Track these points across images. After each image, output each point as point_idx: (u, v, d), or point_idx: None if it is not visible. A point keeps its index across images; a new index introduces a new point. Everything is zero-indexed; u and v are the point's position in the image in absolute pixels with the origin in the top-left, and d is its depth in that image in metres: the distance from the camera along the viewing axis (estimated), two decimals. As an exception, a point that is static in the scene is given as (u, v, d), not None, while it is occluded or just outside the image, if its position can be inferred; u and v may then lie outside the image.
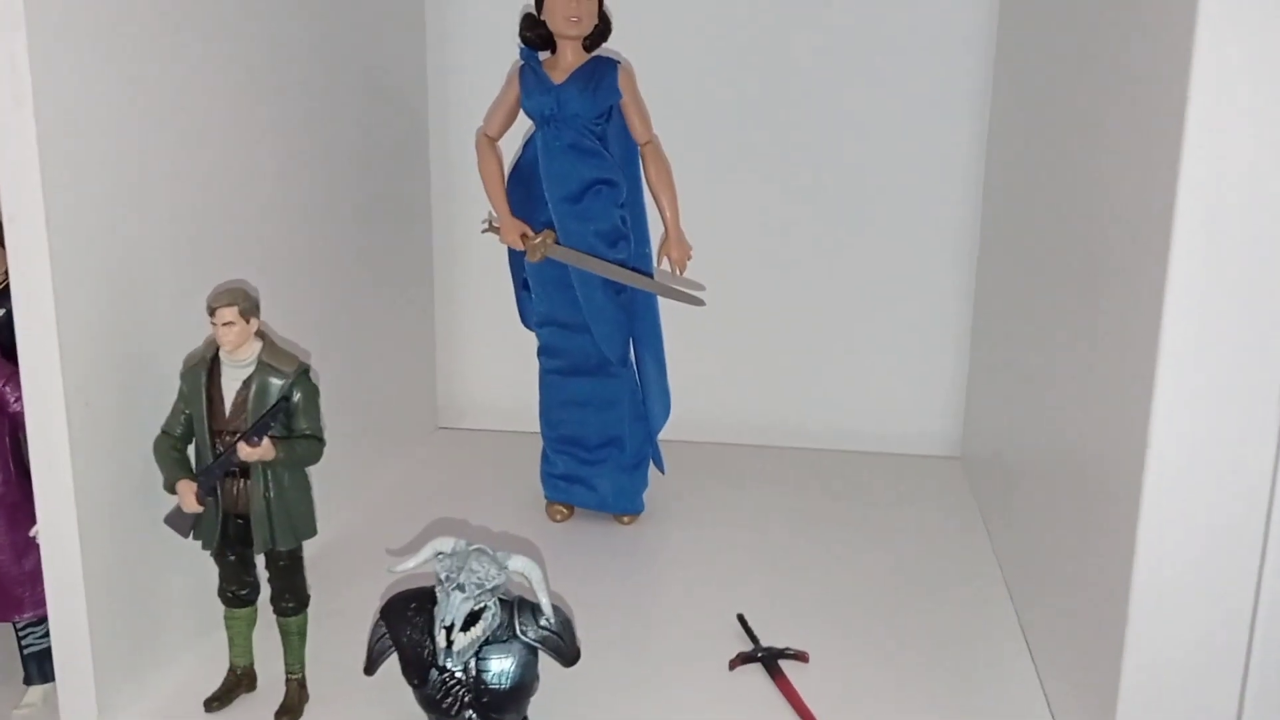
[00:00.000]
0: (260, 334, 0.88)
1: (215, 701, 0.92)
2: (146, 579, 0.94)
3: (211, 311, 0.86)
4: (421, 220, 1.56)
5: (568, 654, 0.87)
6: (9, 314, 0.93)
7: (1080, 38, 0.97)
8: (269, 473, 0.87)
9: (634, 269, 1.24)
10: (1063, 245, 0.99)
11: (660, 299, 1.28)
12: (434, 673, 0.83)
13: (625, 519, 1.31)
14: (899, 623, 1.08)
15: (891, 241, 1.51)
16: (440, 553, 0.84)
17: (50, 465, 0.85)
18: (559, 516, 1.32)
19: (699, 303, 1.24)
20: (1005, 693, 0.97)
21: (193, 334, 0.94)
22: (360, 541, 1.24)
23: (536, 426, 1.33)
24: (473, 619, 0.82)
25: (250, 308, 0.87)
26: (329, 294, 1.27)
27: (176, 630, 0.98)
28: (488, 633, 0.83)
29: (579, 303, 1.24)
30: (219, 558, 0.91)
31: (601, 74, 1.20)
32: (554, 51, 1.22)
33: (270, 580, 0.92)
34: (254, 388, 0.87)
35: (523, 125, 1.25)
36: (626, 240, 1.24)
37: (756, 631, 1.04)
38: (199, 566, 0.92)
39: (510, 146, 1.27)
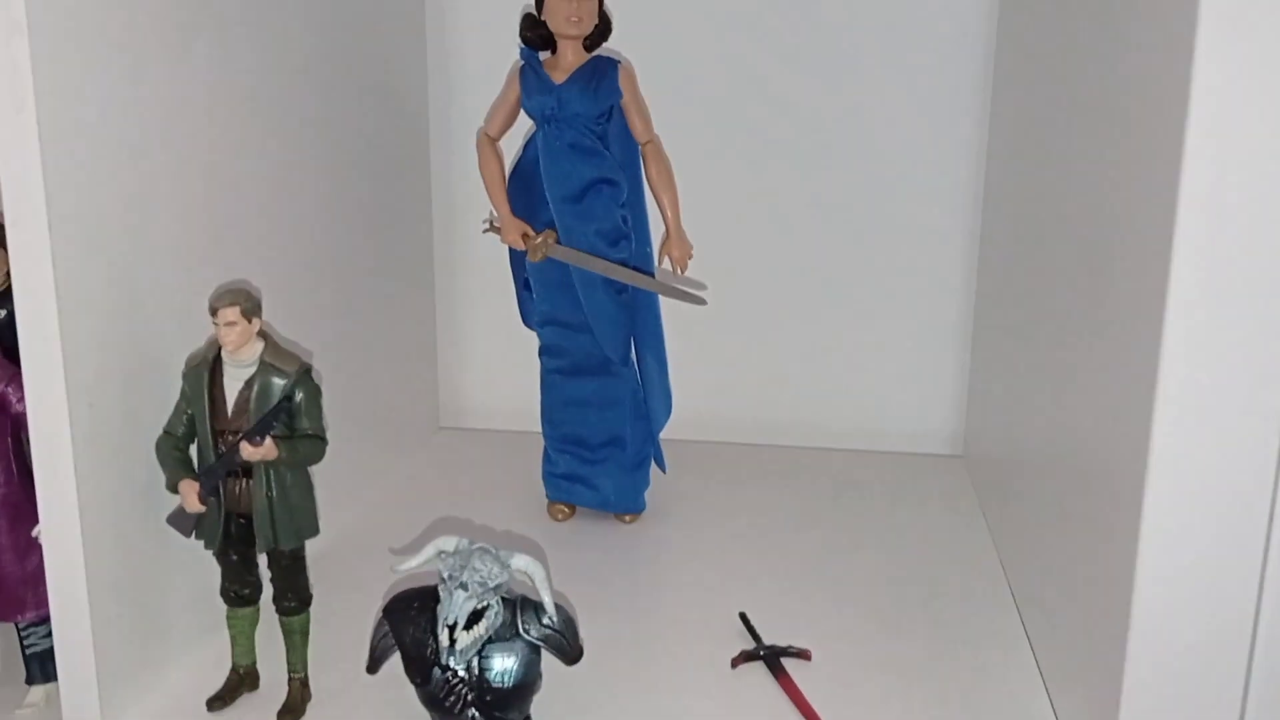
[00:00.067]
0: (262, 334, 0.88)
1: (218, 701, 0.92)
2: (149, 579, 0.94)
3: (213, 312, 0.86)
4: (422, 220, 1.56)
5: (570, 652, 0.87)
6: (11, 315, 0.94)
7: (1082, 31, 0.97)
8: (271, 472, 0.87)
9: (635, 268, 1.24)
10: (1064, 242, 0.99)
11: (662, 298, 1.28)
12: (437, 671, 0.83)
13: (627, 518, 1.31)
14: (901, 621, 1.08)
15: (892, 239, 1.51)
16: (443, 551, 0.84)
17: (53, 466, 0.85)
18: (560, 516, 1.32)
19: (700, 301, 1.24)
20: (1008, 690, 0.97)
21: (195, 335, 0.94)
22: (362, 541, 1.24)
23: (538, 426, 1.33)
24: (475, 617, 0.82)
25: (252, 308, 0.87)
26: (330, 295, 1.27)
27: (179, 630, 0.98)
28: (490, 631, 0.83)
29: (580, 302, 1.24)
30: (221, 557, 0.91)
31: (602, 74, 1.20)
32: (554, 51, 1.22)
33: (273, 580, 0.92)
34: (256, 388, 0.87)
35: (523, 125, 1.25)
36: (628, 239, 1.24)
37: (759, 630, 1.04)
38: (201, 566, 0.93)
39: (511, 146, 1.27)
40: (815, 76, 1.48)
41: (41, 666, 0.96)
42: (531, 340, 1.32)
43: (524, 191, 1.25)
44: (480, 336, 1.62)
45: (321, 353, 1.19)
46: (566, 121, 1.19)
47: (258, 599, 0.93)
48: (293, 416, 0.88)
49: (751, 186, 1.52)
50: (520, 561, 0.85)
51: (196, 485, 0.87)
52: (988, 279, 1.43)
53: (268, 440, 0.86)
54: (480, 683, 0.83)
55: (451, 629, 0.81)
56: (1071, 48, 1.00)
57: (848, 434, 1.56)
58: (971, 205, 1.48)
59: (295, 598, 0.92)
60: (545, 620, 0.85)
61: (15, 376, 0.90)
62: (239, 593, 0.92)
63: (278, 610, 0.92)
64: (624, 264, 1.23)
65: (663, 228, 1.25)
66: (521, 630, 0.84)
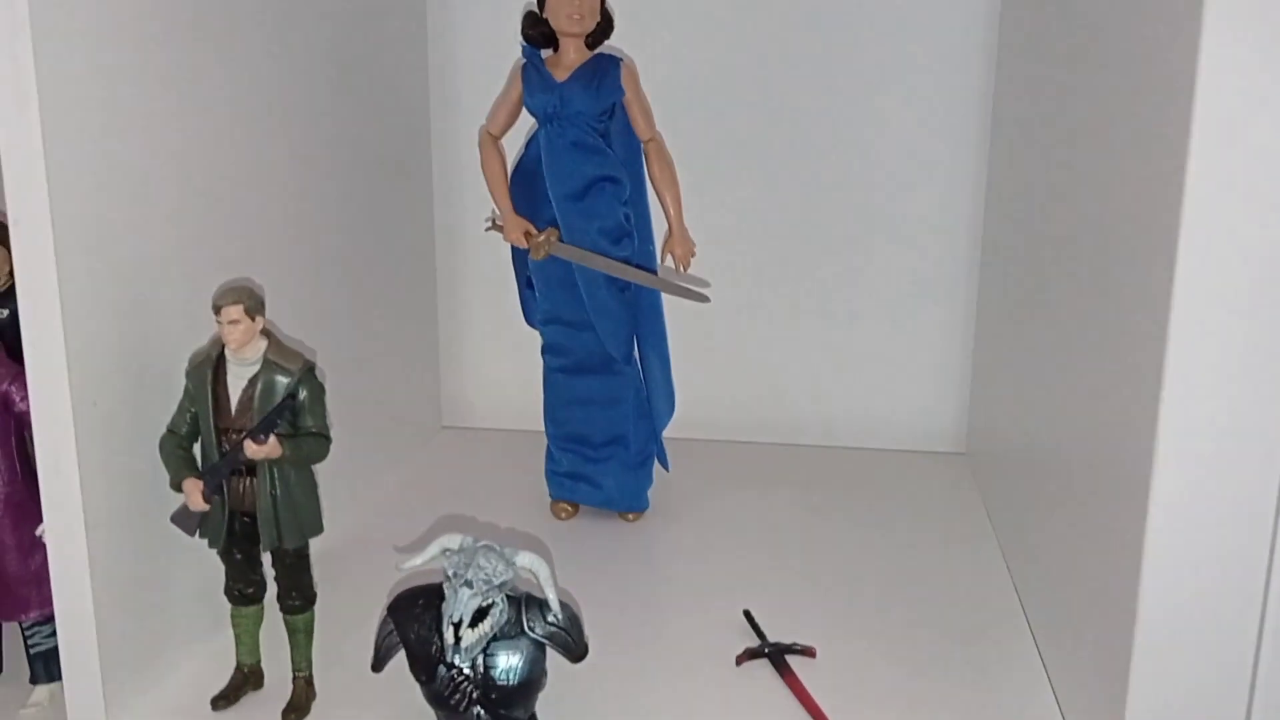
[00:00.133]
0: (265, 332, 0.88)
1: (222, 700, 0.92)
2: (153, 578, 0.94)
3: (217, 310, 0.86)
4: (424, 219, 1.56)
5: (575, 650, 0.87)
6: (14, 314, 0.94)
7: (1085, 28, 0.96)
8: (275, 471, 0.87)
9: (638, 266, 1.24)
10: (1068, 237, 0.99)
11: (664, 296, 1.28)
12: (442, 669, 0.83)
13: (630, 516, 1.31)
14: (906, 618, 1.08)
15: (895, 237, 1.51)
16: (448, 549, 0.84)
17: (57, 464, 0.85)
18: (564, 514, 1.32)
19: (704, 299, 1.24)
20: (1013, 687, 0.96)
21: (198, 333, 0.94)
22: (366, 540, 1.24)
23: (541, 425, 1.33)
24: (480, 615, 0.82)
25: (255, 306, 0.87)
26: (333, 294, 1.27)
27: (183, 629, 0.98)
28: (495, 629, 0.83)
29: (583, 300, 1.24)
30: (225, 556, 0.91)
31: (604, 71, 1.20)
32: (556, 49, 1.21)
33: (277, 578, 0.92)
34: (259, 386, 0.87)
35: (526, 123, 1.25)
36: (630, 237, 1.24)
37: (763, 627, 1.04)
38: (205, 565, 0.92)
39: (513, 145, 1.27)
40: (817, 73, 1.48)
41: (45, 666, 0.96)
42: (534, 339, 1.32)
43: (526, 190, 1.25)
44: (483, 335, 1.62)
45: (324, 352, 1.19)
46: (569, 119, 1.19)
47: (262, 598, 0.93)
48: (296, 414, 0.88)
49: (754, 183, 1.52)
50: (525, 559, 0.85)
51: (200, 484, 0.87)
52: (991, 275, 1.43)
53: (271, 438, 0.85)
54: (485, 680, 0.83)
55: (457, 626, 0.81)
56: (1075, 43, 1.00)
57: (851, 432, 1.56)
58: (974, 202, 1.48)
59: (299, 596, 0.92)
60: (550, 617, 0.85)
61: (19, 375, 0.90)
62: (243, 591, 0.92)
63: (282, 609, 0.92)
64: (627, 262, 1.22)
65: (665, 225, 1.25)
66: (526, 628, 0.84)
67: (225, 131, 1.03)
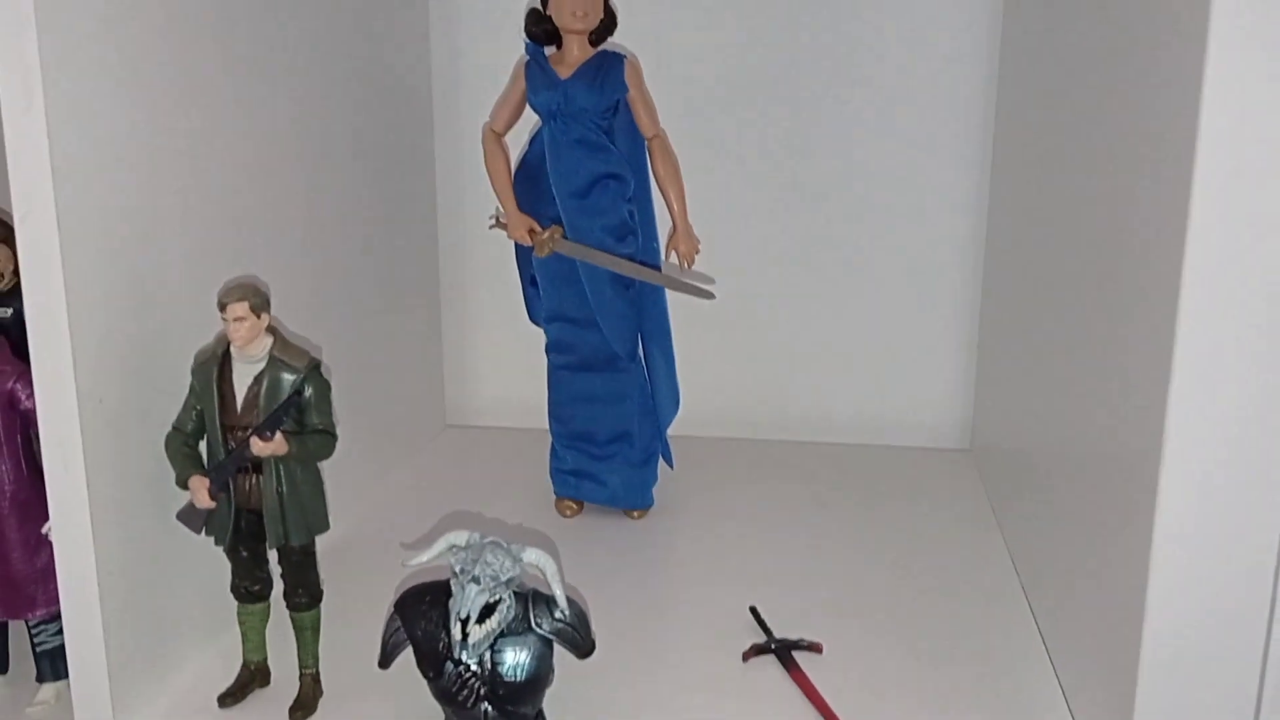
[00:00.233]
0: (271, 329, 0.88)
1: (229, 697, 0.92)
2: (159, 575, 0.94)
3: (222, 307, 0.86)
4: (428, 217, 1.56)
5: (583, 646, 0.87)
6: (19, 312, 0.94)
7: (1089, 23, 0.96)
8: (281, 468, 0.87)
9: (642, 263, 1.23)
10: (1073, 235, 0.99)
11: (669, 293, 1.28)
12: (449, 665, 0.83)
13: (635, 514, 1.31)
14: (912, 614, 1.07)
15: (899, 233, 1.51)
16: (454, 546, 0.84)
17: (63, 462, 0.85)
18: (569, 512, 1.32)
19: (709, 296, 1.24)
20: (1020, 681, 0.96)
21: (204, 330, 0.94)
22: (372, 537, 1.24)
23: (545, 423, 1.33)
24: (488, 611, 0.82)
25: (261, 303, 0.87)
26: (336, 293, 1.27)
27: (190, 626, 0.98)
28: (503, 625, 0.83)
29: (587, 298, 1.24)
30: (232, 553, 0.91)
31: (608, 68, 1.20)
32: (559, 46, 1.22)
33: (283, 575, 0.92)
34: (265, 383, 0.87)
35: (529, 121, 1.25)
36: (634, 235, 1.24)
37: (769, 624, 1.04)
38: (212, 562, 0.92)
39: (517, 142, 1.27)
40: (822, 69, 1.48)
41: (52, 664, 0.96)
42: (538, 336, 1.32)
43: (530, 187, 1.25)
44: (487, 333, 1.62)
45: (328, 350, 1.18)
46: (573, 116, 1.19)
47: (268, 595, 0.93)
48: (302, 411, 0.88)
49: (757, 180, 1.52)
50: (532, 555, 0.85)
51: (206, 481, 0.87)
52: (995, 271, 1.43)
53: (278, 435, 0.85)
54: (493, 676, 0.83)
55: (464, 623, 0.81)
56: (1079, 36, 0.99)
57: (855, 429, 1.56)
58: (979, 198, 1.48)
59: (306, 593, 0.92)
60: (557, 614, 0.85)
61: (24, 373, 0.90)
62: (249, 589, 0.92)
63: (289, 606, 0.92)
64: (631, 259, 1.22)
65: (669, 222, 1.24)
66: (534, 624, 0.84)
67: (229, 131, 1.03)
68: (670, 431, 1.34)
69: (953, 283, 1.51)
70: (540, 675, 0.84)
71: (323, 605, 0.93)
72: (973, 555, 1.21)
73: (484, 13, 1.52)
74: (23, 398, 0.92)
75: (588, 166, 1.20)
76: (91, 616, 0.87)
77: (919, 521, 1.30)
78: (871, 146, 1.49)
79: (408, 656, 0.86)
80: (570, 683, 0.90)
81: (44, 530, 0.91)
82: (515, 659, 0.83)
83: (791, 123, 1.50)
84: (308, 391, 0.88)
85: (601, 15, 1.20)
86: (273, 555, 0.92)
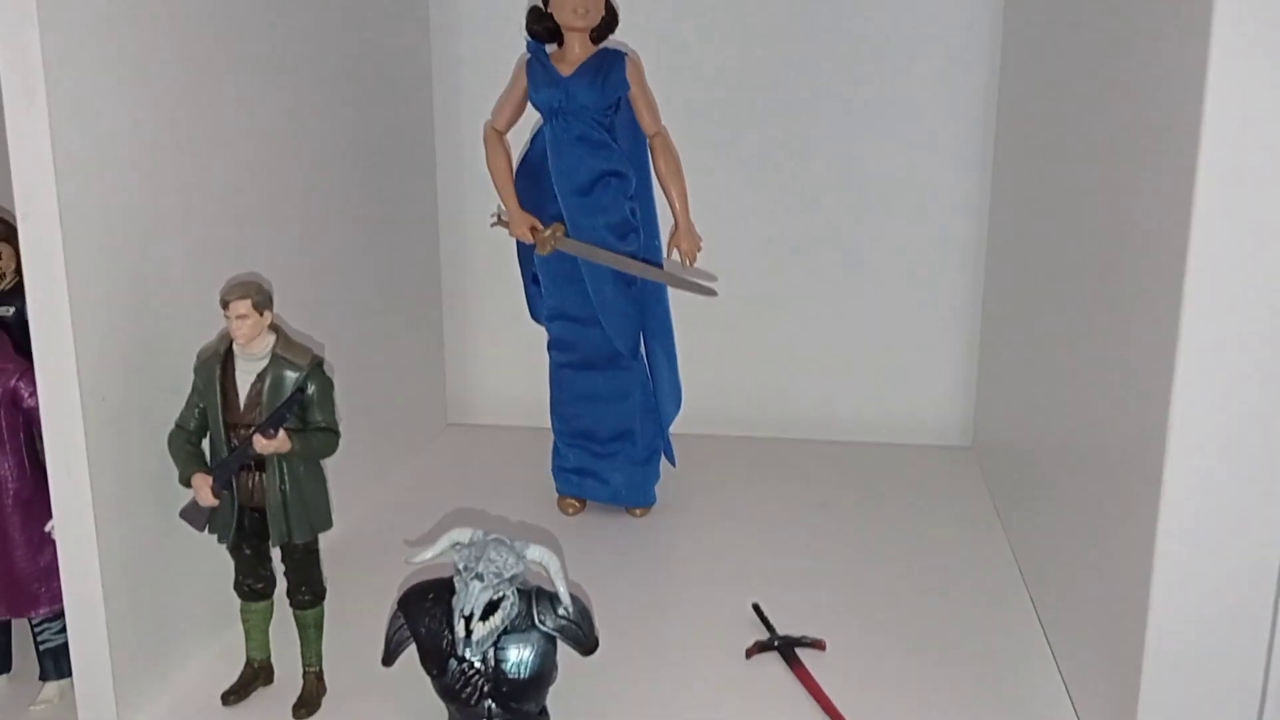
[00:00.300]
0: (274, 327, 0.88)
1: (233, 695, 0.92)
2: (163, 573, 0.94)
3: (225, 304, 0.86)
4: (429, 216, 1.56)
5: (586, 643, 0.87)
6: (21, 310, 0.94)
7: (1091, 21, 0.96)
8: (284, 465, 0.87)
9: (644, 261, 1.23)
10: (1075, 231, 0.99)
11: (671, 291, 1.28)
12: (453, 663, 0.83)
13: (637, 511, 1.31)
14: (915, 612, 1.07)
15: (901, 231, 1.51)
16: (458, 543, 0.84)
17: (66, 460, 0.85)
18: (571, 510, 1.32)
19: (711, 293, 1.24)
20: (1023, 678, 0.96)
21: (207, 328, 0.94)
22: (375, 535, 1.24)
23: (547, 421, 1.33)
24: (491, 608, 0.82)
25: (264, 300, 0.87)
26: (338, 292, 1.27)
27: (193, 624, 0.98)
28: (506, 622, 0.83)
29: (589, 296, 1.24)
30: (235, 551, 0.91)
31: (609, 66, 1.20)
32: (561, 44, 1.21)
33: (286, 573, 0.92)
34: (268, 381, 0.87)
35: (530, 119, 1.25)
36: (636, 232, 1.23)
37: (772, 621, 1.04)
38: (215, 560, 0.92)
39: (518, 140, 1.27)
40: (823, 66, 1.48)
41: (55, 662, 0.96)
42: (540, 335, 1.32)
43: (532, 185, 1.24)
44: (488, 332, 1.62)
45: (329, 349, 1.19)
46: (574, 114, 1.19)
47: (271, 593, 0.93)
48: (305, 409, 0.88)
49: (759, 177, 1.52)
50: (535, 552, 0.85)
51: (209, 479, 0.87)
52: (997, 268, 1.43)
53: (281, 433, 0.85)
54: (496, 674, 0.83)
55: (468, 620, 0.81)
56: (1081, 34, 0.99)
57: (857, 427, 1.56)
58: (979, 196, 1.48)
59: (309, 591, 0.92)
60: (561, 611, 0.85)
61: (27, 371, 0.90)
62: (253, 587, 0.92)
63: (292, 604, 0.92)
64: (633, 256, 1.22)
65: (671, 220, 1.24)
66: (537, 621, 0.84)
67: (231, 129, 1.03)
68: (672, 429, 1.34)
69: (954, 280, 1.51)
70: (544, 672, 0.84)
71: (326, 603, 0.93)
72: (975, 552, 1.21)
73: (485, 11, 1.52)
74: (25, 396, 0.92)
75: (589, 164, 1.20)
76: (95, 615, 0.87)
77: (921, 519, 1.30)
78: (873, 144, 1.49)
79: (411, 654, 0.86)
80: (574, 680, 0.90)
81: (47, 528, 0.91)
82: (519, 656, 0.83)
83: (793, 120, 1.50)
84: (310, 389, 0.88)
85: (603, 13, 1.20)
86: (276, 553, 0.92)
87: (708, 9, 1.48)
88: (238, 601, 0.92)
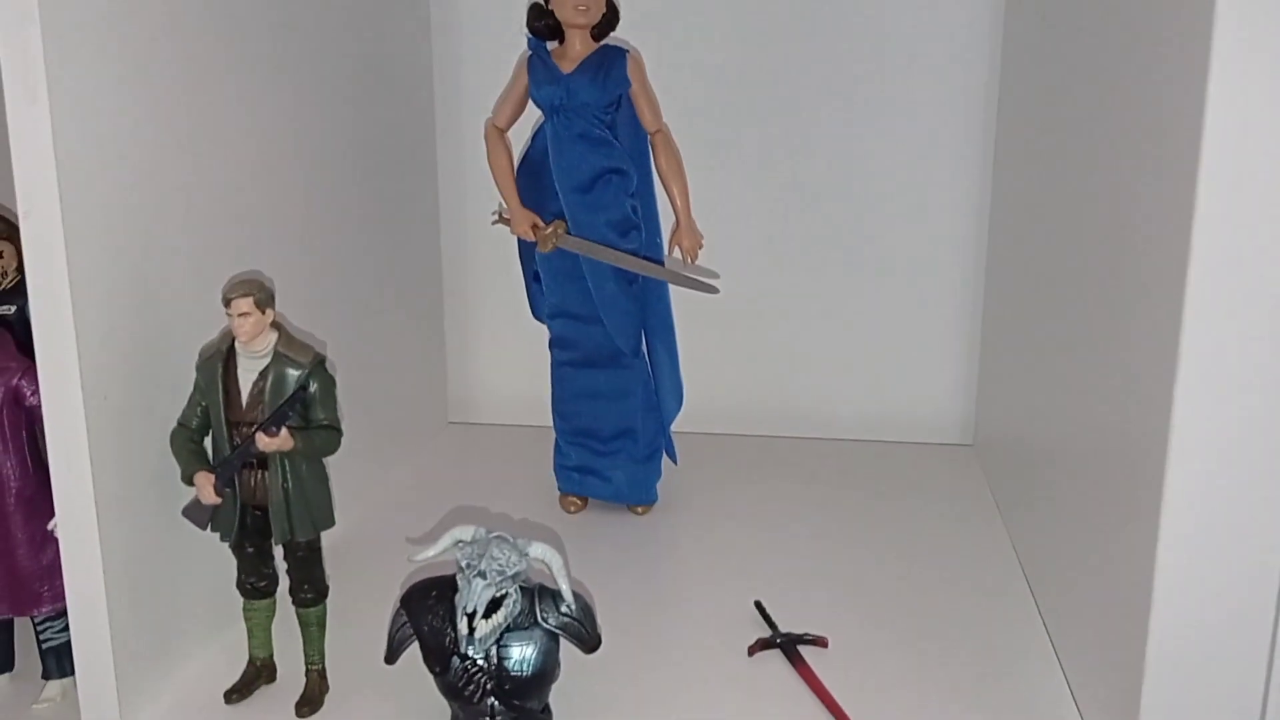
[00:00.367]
0: (276, 325, 0.88)
1: (235, 693, 0.92)
2: (165, 572, 0.94)
3: (227, 302, 0.86)
4: (430, 214, 1.56)
5: (589, 641, 0.87)
6: (23, 309, 0.94)
7: (1092, 19, 0.96)
8: (287, 463, 0.87)
9: (646, 258, 1.23)
10: (1076, 229, 0.99)
11: (672, 288, 1.28)
12: (455, 660, 0.83)
13: (639, 509, 1.31)
14: (916, 609, 1.07)
15: (901, 228, 1.51)
16: (460, 540, 0.84)
17: (68, 459, 0.85)
18: (573, 508, 1.32)
19: (713, 290, 1.23)
20: (1025, 675, 0.96)
21: (209, 326, 0.94)
22: (377, 533, 1.24)
23: (548, 420, 1.33)
24: (494, 606, 0.82)
25: (266, 298, 0.87)
26: (339, 290, 1.27)
27: (196, 623, 0.98)
28: (509, 620, 0.83)
29: (590, 294, 1.24)
30: (237, 549, 0.91)
31: (611, 63, 1.19)
32: (562, 41, 1.21)
33: (289, 571, 0.92)
34: (270, 379, 0.87)
35: (531, 116, 1.25)
36: (638, 230, 1.23)
37: (774, 618, 1.04)
38: (218, 559, 0.92)
39: (519, 137, 1.27)
40: (825, 64, 1.48)
41: (58, 661, 0.95)
42: (541, 333, 1.32)
43: (533, 182, 1.24)
44: (489, 330, 1.62)
45: (330, 348, 1.18)
46: (575, 111, 1.19)
47: (274, 591, 0.93)
48: (308, 407, 0.88)
49: (761, 175, 1.52)
50: (538, 550, 0.85)
51: (212, 477, 0.87)
52: (998, 266, 1.43)
53: (283, 431, 0.85)
54: (499, 671, 0.83)
55: (470, 618, 0.81)
56: (1083, 32, 0.99)
57: (858, 425, 1.56)
58: (980, 195, 1.48)
59: (312, 589, 0.92)
60: (564, 608, 0.85)
61: (29, 370, 0.90)
62: (255, 585, 0.92)
63: (294, 602, 0.92)
64: (634, 254, 1.22)
65: (673, 217, 1.24)
66: (540, 618, 0.84)
67: (232, 128, 1.03)
68: (674, 427, 1.34)
69: (955, 279, 1.51)
70: (546, 670, 0.85)
71: (329, 601, 0.93)
72: (977, 550, 1.21)
73: (485, 8, 1.52)
74: (27, 394, 0.92)
75: (590, 161, 1.20)
76: (97, 613, 0.87)
77: (923, 517, 1.30)
78: (873, 143, 1.49)
79: (414, 652, 0.86)
80: (576, 677, 0.90)
81: (49, 527, 0.91)
82: (521, 653, 0.83)
83: (795, 118, 1.50)
84: (313, 387, 0.88)
85: (604, 10, 1.20)
86: (278, 551, 0.92)
87: (709, 7, 1.48)
88: (240, 600, 0.92)
